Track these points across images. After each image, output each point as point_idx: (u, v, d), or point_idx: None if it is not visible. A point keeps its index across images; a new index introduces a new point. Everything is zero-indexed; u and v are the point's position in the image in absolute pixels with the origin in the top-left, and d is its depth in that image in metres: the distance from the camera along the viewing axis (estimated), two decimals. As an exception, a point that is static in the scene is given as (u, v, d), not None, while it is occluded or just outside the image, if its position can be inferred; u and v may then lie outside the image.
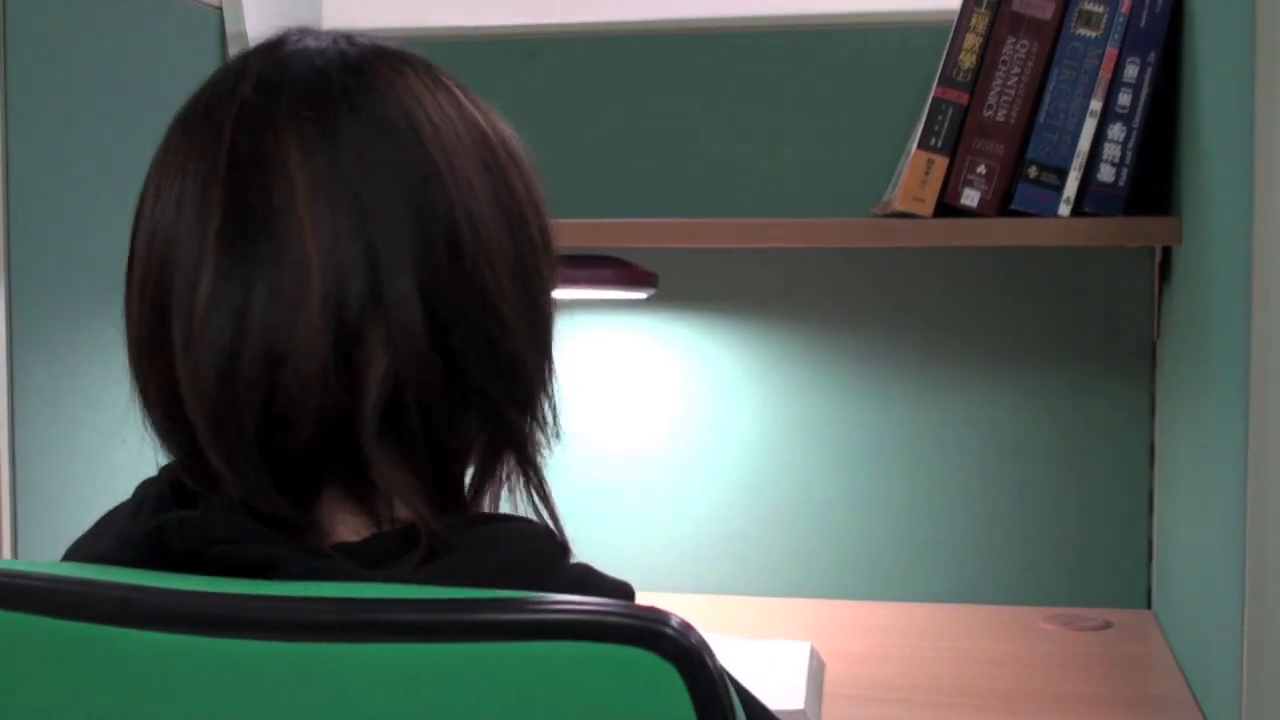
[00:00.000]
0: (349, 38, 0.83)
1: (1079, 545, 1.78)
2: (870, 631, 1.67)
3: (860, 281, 1.81)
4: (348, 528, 0.80)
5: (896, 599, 1.80)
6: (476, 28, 1.88)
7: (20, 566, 0.75)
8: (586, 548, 1.85)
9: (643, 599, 1.84)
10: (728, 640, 1.56)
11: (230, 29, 1.68)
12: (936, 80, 1.57)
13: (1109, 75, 1.54)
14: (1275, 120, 1.12)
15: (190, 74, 0.86)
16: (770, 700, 1.34)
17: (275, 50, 0.81)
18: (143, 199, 0.81)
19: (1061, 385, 1.78)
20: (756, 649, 1.52)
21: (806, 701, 1.35)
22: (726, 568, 1.86)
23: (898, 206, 1.57)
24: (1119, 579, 1.77)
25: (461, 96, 0.85)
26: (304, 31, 0.83)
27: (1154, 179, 1.58)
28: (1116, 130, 1.55)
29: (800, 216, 1.74)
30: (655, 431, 1.87)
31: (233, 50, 1.67)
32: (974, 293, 1.79)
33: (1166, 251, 1.66)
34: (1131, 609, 1.75)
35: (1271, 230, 1.13)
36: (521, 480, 0.88)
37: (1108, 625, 1.68)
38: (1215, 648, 1.31)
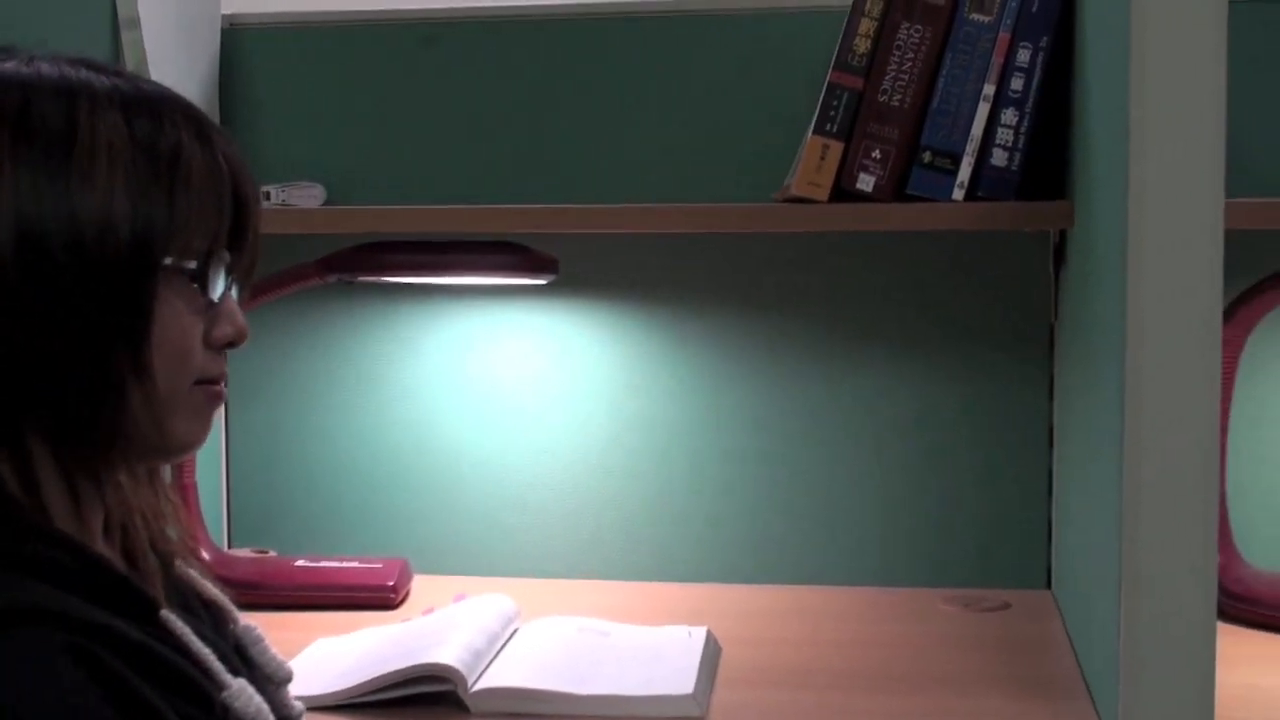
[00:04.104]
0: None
1: (981, 527, 1.80)
2: (770, 615, 1.68)
3: (762, 267, 1.81)
4: None
5: (799, 582, 1.81)
6: (373, 13, 1.86)
7: None
8: (488, 534, 1.85)
9: (546, 586, 1.84)
10: (624, 627, 1.56)
11: (123, 13, 1.66)
12: (832, 65, 1.57)
13: (1002, 60, 1.55)
14: (1146, 102, 1.13)
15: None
16: (660, 685, 1.35)
17: None
18: None
19: (963, 369, 1.79)
20: (652, 635, 1.53)
21: (696, 686, 1.35)
22: (628, 554, 1.86)
23: (794, 192, 1.57)
24: (1020, 560, 1.79)
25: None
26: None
27: (1052, 163, 1.59)
28: (1009, 115, 1.55)
29: (703, 202, 1.74)
30: (555, 417, 1.86)
31: (125, 36, 1.65)
32: (877, 277, 1.80)
33: (1064, 234, 1.67)
34: (1032, 589, 1.77)
35: (1143, 213, 1.14)
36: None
37: (1006, 606, 1.69)
38: (1099, 628, 1.33)
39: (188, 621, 0.92)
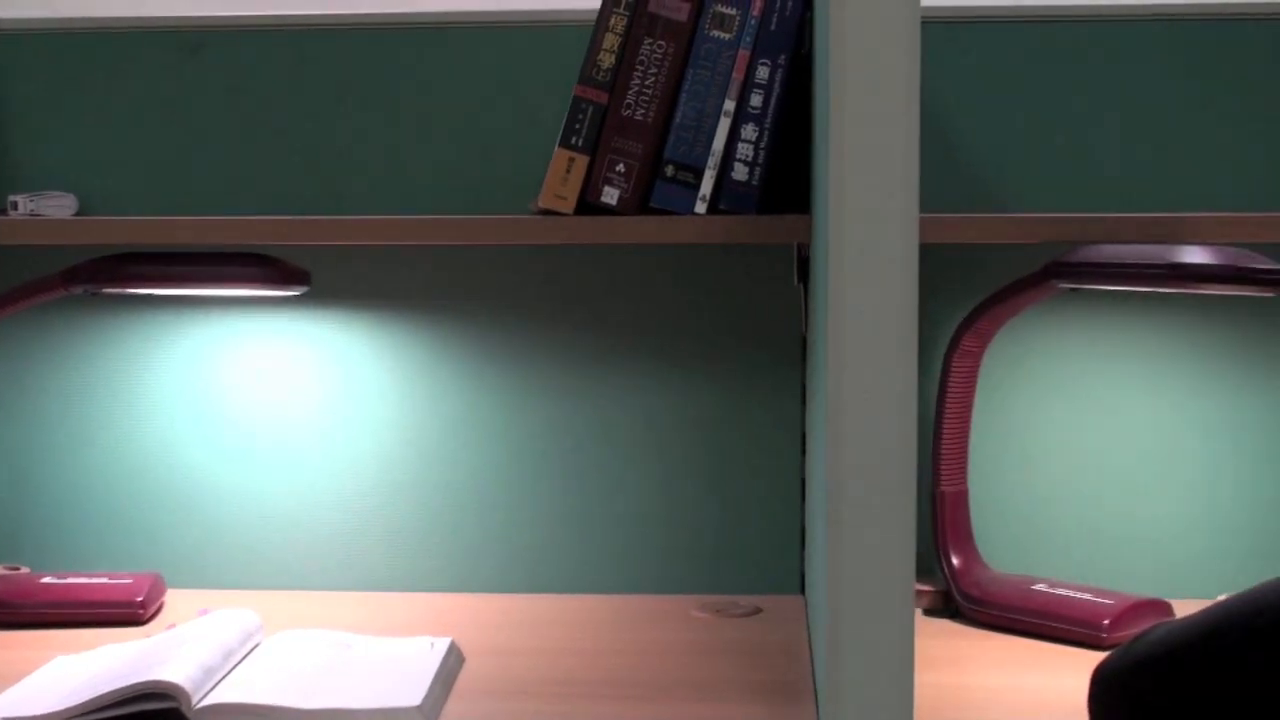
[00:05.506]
0: None
1: (738, 533, 1.83)
2: (526, 625, 1.69)
3: (518, 277, 1.83)
4: None
5: (558, 591, 1.82)
6: (137, 19, 1.83)
7: None
8: (243, 547, 1.83)
9: (305, 599, 1.83)
10: (368, 640, 1.55)
11: None
12: (577, 79, 1.59)
13: (741, 76, 1.58)
14: (844, 117, 1.17)
15: None
16: (389, 698, 1.35)
17: None
18: None
19: (716, 377, 1.82)
20: (396, 647, 1.52)
21: (426, 698, 1.35)
22: (387, 564, 1.85)
23: (541, 205, 1.58)
24: (775, 565, 1.82)
25: None
26: None
27: (798, 177, 1.63)
28: (749, 130, 1.58)
29: (466, 213, 1.75)
30: (311, 429, 1.85)
31: None
32: (631, 289, 1.82)
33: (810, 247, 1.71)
34: (787, 595, 1.80)
35: (842, 225, 1.17)
36: None
37: (757, 611, 1.72)
38: (821, 632, 1.36)
39: None
